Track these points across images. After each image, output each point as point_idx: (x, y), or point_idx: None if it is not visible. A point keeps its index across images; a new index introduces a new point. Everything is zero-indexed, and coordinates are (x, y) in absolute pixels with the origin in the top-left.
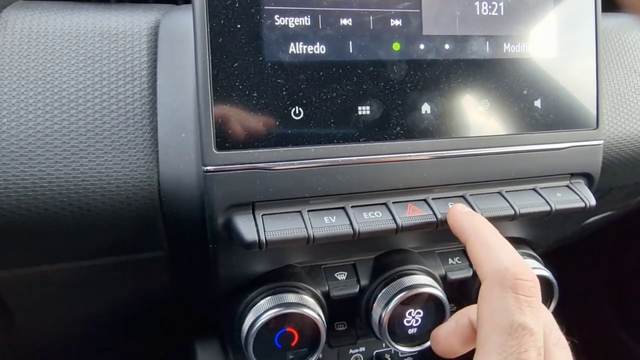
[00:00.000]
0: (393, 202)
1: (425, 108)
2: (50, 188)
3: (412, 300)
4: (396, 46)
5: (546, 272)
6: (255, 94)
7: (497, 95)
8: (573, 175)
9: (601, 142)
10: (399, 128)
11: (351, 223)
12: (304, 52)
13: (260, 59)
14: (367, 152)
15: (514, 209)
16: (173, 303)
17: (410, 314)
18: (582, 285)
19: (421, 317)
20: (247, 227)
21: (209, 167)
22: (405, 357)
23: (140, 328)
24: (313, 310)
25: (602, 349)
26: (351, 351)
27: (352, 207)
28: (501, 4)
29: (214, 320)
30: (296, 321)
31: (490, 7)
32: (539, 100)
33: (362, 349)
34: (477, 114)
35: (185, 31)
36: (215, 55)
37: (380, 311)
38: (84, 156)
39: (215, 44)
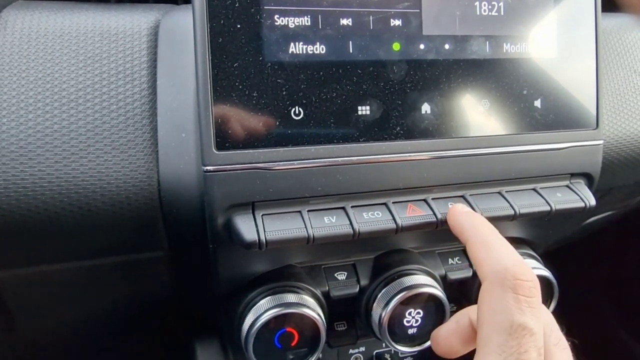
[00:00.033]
0: (393, 202)
1: (425, 108)
2: (50, 188)
3: (412, 300)
4: (396, 46)
5: (546, 272)
6: (255, 94)
7: (497, 95)
8: (573, 175)
9: (601, 142)
10: (398, 128)
11: (351, 223)
12: (304, 52)
13: (260, 59)
14: (367, 152)
15: (514, 209)
16: (173, 303)
17: (410, 314)
18: (582, 285)
19: (421, 317)
20: (247, 227)
21: (209, 167)
22: (405, 357)
23: (140, 328)
24: (313, 310)
25: (602, 349)
26: (351, 351)
27: (352, 207)
28: (501, 4)
29: (214, 320)
30: (296, 321)
31: (490, 7)
32: (539, 100)
33: (362, 349)
34: (477, 114)
35: (185, 31)
36: (215, 55)
37: (380, 311)
38: (84, 156)
39: (215, 44)
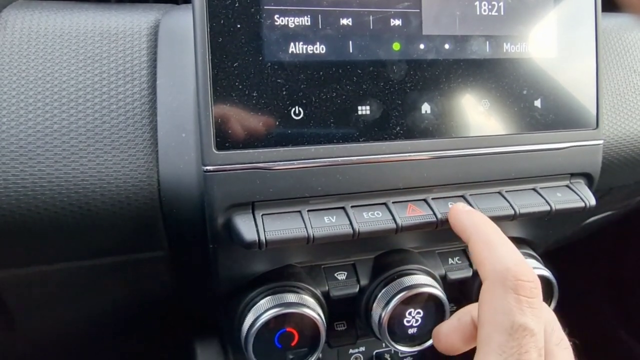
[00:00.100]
0: (393, 202)
1: (425, 108)
2: (50, 188)
3: (412, 300)
4: (396, 46)
5: (546, 272)
6: (255, 94)
7: (497, 95)
8: (573, 175)
9: (601, 142)
10: (398, 128)
11: (351, 223)
12: (304, 52)
13: (260, 58)
14: (367, 152)
15: (513, 208)
16: (173, 303)
17: (410, 313)
18: (582, 285)
19: (421, 317)
20: (247, 227)
21: (208, 167)
22: (405, 357)
23: (140, 328)
24: (313, 310)
25: (602, 349)
26: (351, 351)
27: (352, 207)
28: (501, 4)
29: (214, 320)
30: (296, 321)
31: (490, 7)
32: (539, 100)
33: (362, 348)
34: (477, 114)
35: (185, 31)
36: (215, 55)
37: (380, 311)
38: (84, 156)
39: (215, 44)
